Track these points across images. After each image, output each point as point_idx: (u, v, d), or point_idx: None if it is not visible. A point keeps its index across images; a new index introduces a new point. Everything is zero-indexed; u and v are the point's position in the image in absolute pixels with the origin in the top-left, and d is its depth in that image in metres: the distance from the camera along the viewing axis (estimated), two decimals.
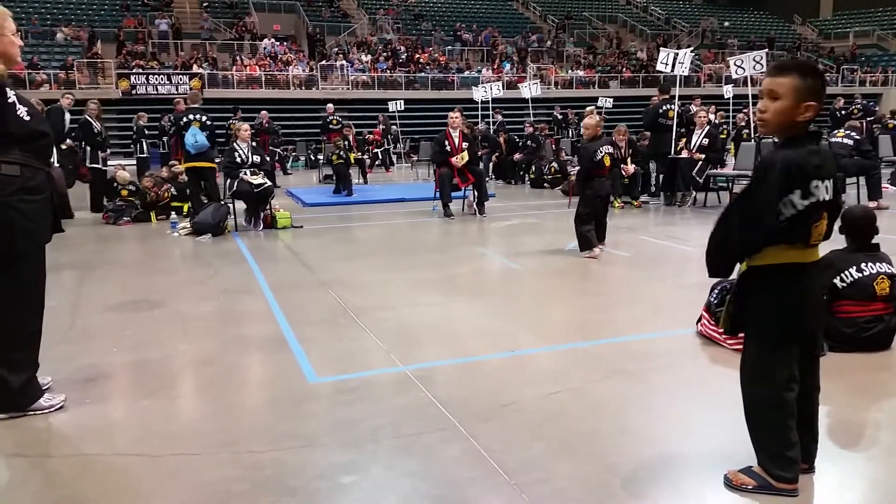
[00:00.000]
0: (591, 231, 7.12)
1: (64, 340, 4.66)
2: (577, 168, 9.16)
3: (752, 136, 14.14)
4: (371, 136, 20.69)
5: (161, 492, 2.73)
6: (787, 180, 2.36)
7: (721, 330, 4.22)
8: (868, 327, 4.07)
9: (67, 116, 10.81)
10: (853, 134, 10.18)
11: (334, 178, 13.89)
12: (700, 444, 3.03)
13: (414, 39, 29.79)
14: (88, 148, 11.29)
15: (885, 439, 3.13)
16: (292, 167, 20.99)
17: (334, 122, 17.84)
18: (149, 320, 5.14)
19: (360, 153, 16.16)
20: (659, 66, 11.98)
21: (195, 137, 9.74)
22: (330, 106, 19.29)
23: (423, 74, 26.82)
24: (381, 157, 20.52)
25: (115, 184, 10.93)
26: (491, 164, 16.34)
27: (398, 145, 21.72)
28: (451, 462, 2.90)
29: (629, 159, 11.02)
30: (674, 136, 11.03)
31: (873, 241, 4.27)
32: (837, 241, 4.44)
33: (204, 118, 10.15)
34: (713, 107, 18.75)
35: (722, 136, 13.36)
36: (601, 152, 7.08)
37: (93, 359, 4.26)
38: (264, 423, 3.35)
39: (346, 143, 14.32)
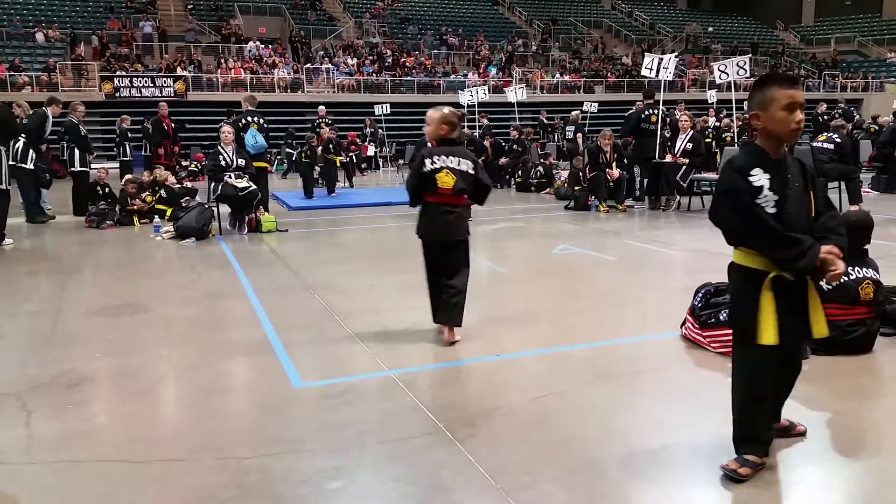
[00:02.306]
0: (433, 300, 4.60)
1: (46, 345, 4.61)
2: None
3: (736, 140, 14.27)
4: (345, 141, 20.62)
5: (145, 498, 2.70)
6: None
7: (704, 333, 4.27)
8: (850, 331, 4.11)
9: (50, 122, 10.60)
10: (835, 137, 10.28)
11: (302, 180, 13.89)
12: (686, 446, 3.04)
13: (400, 43, 29.81)
14: (77, 151, 11.19)
15: (868, 441, 3.17)
16: (277, 170, 20.92)
17: (323, 124, 17.35)
18: (132, 325, 5.09)
19: (345, 157, 16.09)
20: (643, 71, 12.07)
21: (255, 139, 9.96)
22: (322, 108, 18.87)
23: (409, 78, 26.83)
24: (364, 163, 20.48)
25: (98, 187, 10.86)
26: None
27: (384, 149, 21.70)
28: (438, 467, 2.89)
29: (614, 164, 11.08)
30: (658, 141, 11.10)
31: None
32: None
33: (261, 120, 10.30)
34: (720, 111, 18.81)
35: (707, 140, 13.46)
36: (435, 163, 4.38)
37: (75, 363, 4.22)
38: (249, 429, 3.33)
39: (330, 145, 14.26)
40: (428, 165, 4.39)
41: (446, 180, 4.37)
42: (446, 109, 4.54)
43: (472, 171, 4.44)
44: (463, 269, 4.54)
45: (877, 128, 18.06)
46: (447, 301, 4.45)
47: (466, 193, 4.49)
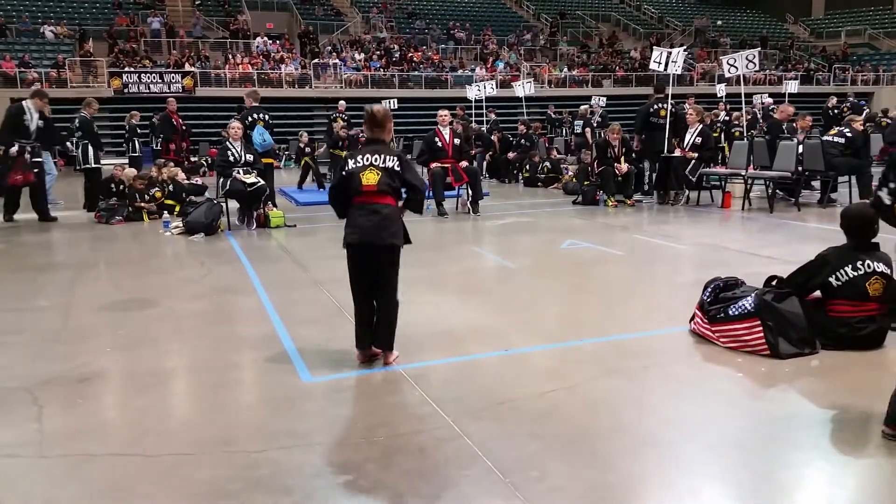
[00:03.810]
0: (357, 326, 4.14)
1: (57, 340, 4.64)
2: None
3: (745, 134, 14.20)
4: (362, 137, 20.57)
5: (156, 491, 2.72)
6: None
7: (713, 327, 4.25)
8: (860, 327, 4.07)
9: (35, 116, 9.79)
10: (846, 132, 10.20)
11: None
12: (694, 441, 3.03)
13: (407, 38, 29.78)
14: (90, 147, 11.19)
15: (878, 437, 3.15)
16: (285, 166, 20.94)
17: (340, 119, 16.87)
18: (142, 320, 5.12)
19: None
20: (652, 65, 12.00)
21: (262, 137, 9.86)
22: (342, 103, 18.39)
23: (416, 73, 26.79)
24: None
25: (112, 183, 10.89)
26: (485, 163, 16.35)
27: (392, 144, 21.66)
28: (446, 461, 2.90)
29: (622, 158, 11.04)
30: (667, 135, 11.04)
31: (873, 239, 4.27)
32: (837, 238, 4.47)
33: (266, 117, 10.23)
34: (730, 108, 18.62)
35: (715, 135, 13.38)
36: (358, 162, 4.07)
37: (86, 358, 4.24)
38: (259, 423, 3.34)
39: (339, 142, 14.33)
40: (351, 164, 4.08)
41: (370, 177, 4.01)
42: (375, 107, 4.22)
43: (398, 168, 4.05)
44: (391, 289, 4.04)
45: (889, 121, 17.91)
46: (377, 327, 4.06)
47: (394, 194, 4.08)
